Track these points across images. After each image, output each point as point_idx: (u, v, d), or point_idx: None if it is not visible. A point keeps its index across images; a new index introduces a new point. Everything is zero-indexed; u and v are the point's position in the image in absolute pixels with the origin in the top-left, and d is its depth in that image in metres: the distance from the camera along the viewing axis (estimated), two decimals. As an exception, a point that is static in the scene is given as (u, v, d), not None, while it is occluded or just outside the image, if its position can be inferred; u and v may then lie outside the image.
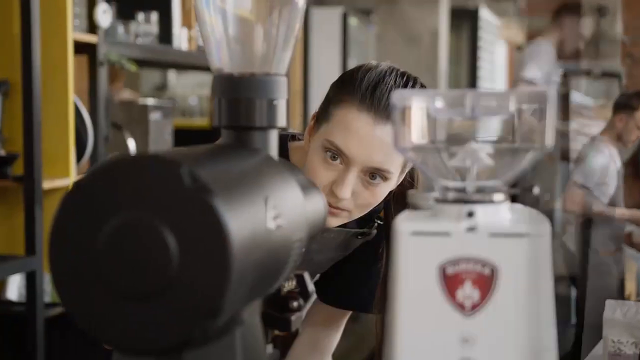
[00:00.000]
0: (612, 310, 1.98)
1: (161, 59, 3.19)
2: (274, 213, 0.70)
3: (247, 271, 0.64)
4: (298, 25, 0.85)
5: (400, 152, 0.72)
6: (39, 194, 2.38)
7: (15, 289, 2.58)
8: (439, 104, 0.71)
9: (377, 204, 1.30)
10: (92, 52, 2.70)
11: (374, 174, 1.25)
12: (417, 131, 0.72)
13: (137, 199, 0.62)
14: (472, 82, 7.52)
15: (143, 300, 0.62)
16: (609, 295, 4.30)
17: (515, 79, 4.49)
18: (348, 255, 1.44)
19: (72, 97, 2.53)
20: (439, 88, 5.59)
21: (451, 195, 0.72)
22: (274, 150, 0.83)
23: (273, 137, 0.83)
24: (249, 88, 0.82)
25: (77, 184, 0.63)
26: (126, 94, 3.74)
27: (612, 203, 4.33)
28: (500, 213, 0.71)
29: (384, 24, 5.40)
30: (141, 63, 3.19)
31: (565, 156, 4.87)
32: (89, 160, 2.71)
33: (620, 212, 4.32)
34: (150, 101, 3.20)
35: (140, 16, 3.08)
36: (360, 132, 1.22)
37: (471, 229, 0.68)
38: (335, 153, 1.24)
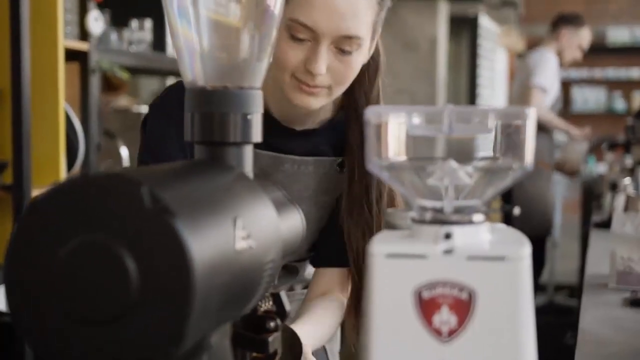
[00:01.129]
0: (621, 223, 1.85)
1: (154, 67, 3.17)
2: (244, 233, 0.67)
3: (213, 295, 0.61)
4: (274, 36, 0.82)
5: (374, 171, 0.69)
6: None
7: (3, 298, 2.56)
8: (416, 120, 0.68)
9: (354, 76, 1.26)
10: (83, 60, 2.68)
11: (345, 45, 1.21)
12: (392, 148, 0.69)
13: (96, 220, 0.59)
14: (472, 89, 7.50)
15: (102, 325, 0.59)
16: (542, 211, 4.44)
17: (522, 86, 4.48)
18: (334, 214, 1.39)
19: (62, 105, 2.50)
20: (437, 96, 5.57)
21: (428, 215, 0.69)
22: (248, 165, 0.80)
23: (248, 153, 0.80)
24: (223, 102, 0.79)
25: (34, 204, 0.60)
26: (123, 101, 3.72)
27: (552, 110, 4.51)
28: (479, 234, 0.68)
29: (382, 31, 5.37)
30: (135, 70, 3.16)
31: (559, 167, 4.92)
32: (80, 169, 2.68)
33: (558, 122, 4.51)
34: (145, 109, 3.18)
35: (134, 23, 3.05)
36: (322, 2, 1.18)
37: (448, 252, 0.66)
38: (300, 31, 1.20)
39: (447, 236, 0.67)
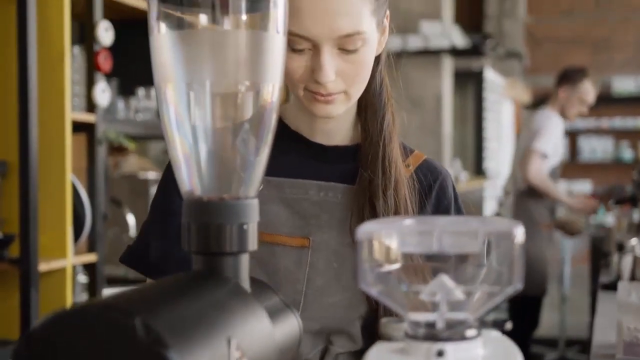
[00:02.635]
0: (626, 292, 1.81)
1: (161, 135, 3.20)
2: (238, 354, 0.68)
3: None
4: (267, 149, 0.83)
5: (365, 289, 0.70)
6: (35, 277, 2.36)
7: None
8: (406, 238, 0.69)
9: (368, 73, 1.17)
10: (90, 131, 2.71)
11: (348, 44, 1.12)
12: (383, 266, 0.70)
13: (91, 352, 0.60)
14: (478, 142, 7.52)
15: None
16: (539, 271, 4.43)
17: (524, 148, 4.49)
18: None
19: (69, 177, 2.53)
20: (443, 151, 5.59)
21: (421, 331, 0.69)
22: (244, 274, 0.81)
23: (244, 262, 0.81)
24: (219, 213, 0.80)
25: (29, 335, 0.61)
26: (132, 160, 3.74)
27: (551, 176, 4.48)
28: (472, 350, 0.68)
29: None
30: (142, 137, 3.19)
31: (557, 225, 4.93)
32: (87, 240, 2.70)
33: (555, 192, 4.46)
34: (152, 175, 3.20)
35: (141, 92, 3.09)
36: (310, 6, 1.10)
37: (440, 371, 0.66)
38: (298, 42, 1.12)
39: (440, 354, 0.67)
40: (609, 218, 8.10)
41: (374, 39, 1.17)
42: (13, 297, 2.42)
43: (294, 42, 1.12)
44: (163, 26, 0.79)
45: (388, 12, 1.22)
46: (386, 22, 1.22)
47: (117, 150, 3.55)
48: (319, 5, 1.10)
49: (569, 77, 4.52)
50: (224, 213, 0.80)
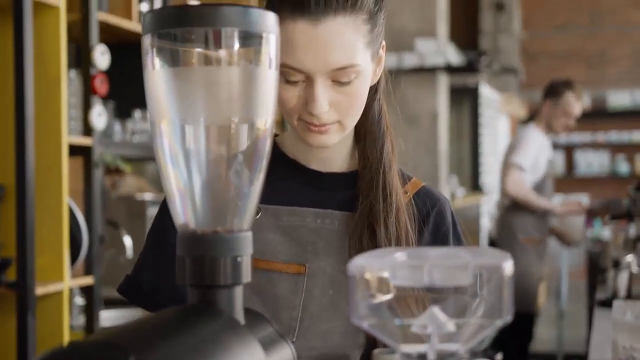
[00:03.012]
0: (622, 311, 1.81)
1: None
2: (232, 388, 0.69)
3: None
4: (261, 181, 0.84)
5: (357, 322, 0.71)
6: (32, 301, 2.37)
7: None
8: (398, 272, 0.70)
9: (362, 104, 1.18)
10: (87, 154, 2.72)
11: (342, 77, 1.13)
12: (375, 299, 0.71)
13: (85, 389, 0.61)
14: (474, 157, 7.55)
15: None
16: (523, 289, 4.39)
17: (504, 161, 4.52)
18: None
19: (66, 201, 2.54)
20: (439, 168, 5.60)
21: (413, 364, 0.70)
22: (238, 306, 0.82)
23: (238, 294, 0.82)
24: (213, 246, 0.81)
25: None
26: (130, 181, 3.75)
27: (538, 191, 4.43)
28: (462, 382, 0.69)
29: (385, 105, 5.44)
30: (139, 159, 3.21)
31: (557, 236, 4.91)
32: (84, 262, 2.70)
33: (539, 201, 4.38)
34: (149, 196, 3.21)
35: (137, 114, 3.11)
36: (303, 40, 1.11)
37: (432, 404, 0.67)
38: (292, 74, 1.13)
39: (432, 386, 0.68)
40: (605, 232, 8.12)
41: (369, 70, 1.18)
42: (10, 321, 2.42)
43: (288, 74, 1.13)
44: (157, 62, 0.81)
45: (384, 43, 1.23)
46: (382, 53, 1.23)
47: (114, 171, 3.56)
48: (312, 38, 1.10)
49: (553, 90, 4.52)
50: (218, 246, 0.81)
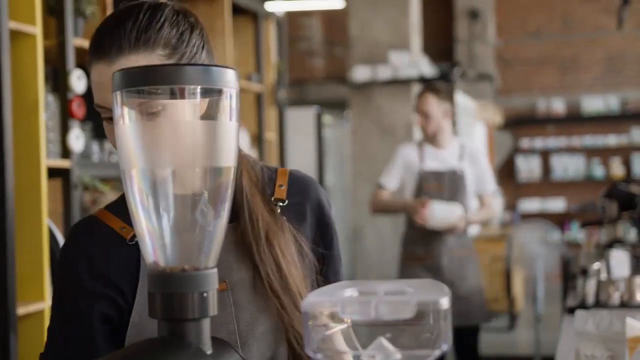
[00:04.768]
0: (584, 321, 1.88)
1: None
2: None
3: None
4: (224, 222, 0.92)
5: (311, 354, 0.79)
6: (14, 322, 2.42)
7: None
8: (347, 308, 0.78)
9: None
10: (65, 176, 2.78)
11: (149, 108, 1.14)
12: (326, 331, 0.79)
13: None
14: (451, 165, 7.63)
15: None
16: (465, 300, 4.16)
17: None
18: None
19: (45, 222, 2.60)
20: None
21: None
22: (206, 337, 0.89)
23: (205, 326, 0.89)
24: (181, 283, 0.88)
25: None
26: (110, 197, 3.79)
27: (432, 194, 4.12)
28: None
29: (359, 117, 5.54)
30: (117, 179, 3.27)
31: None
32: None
33: (395, 203, 4.12)
34: (127, 213, 3.26)
35: (114, 134, 3.17)
36: (103, 80, 1.19)
37: None
38: (104, 112, 1.21)
39: (378, 411, 0.76)
40: (581, 235, 8.23)
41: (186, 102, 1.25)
42: (-9, 342, 2.47)
43: (103, 113, 1.22)
44: (126, 117, 0.88)
45: None
46: None
47: (94, 187, 3.61)
48: (109, 77, 1.12)
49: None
50: (186, 283, 0.88)
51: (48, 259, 2.62)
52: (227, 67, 0.89)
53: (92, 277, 1.24)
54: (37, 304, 2.57)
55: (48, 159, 2.66)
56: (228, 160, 0.90)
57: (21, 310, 2.50)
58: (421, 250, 4.15)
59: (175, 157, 0.88)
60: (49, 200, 2.68)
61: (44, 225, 2.58)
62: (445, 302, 0.76)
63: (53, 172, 2.74)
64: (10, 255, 2.45)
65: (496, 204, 4.32)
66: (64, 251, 1.29)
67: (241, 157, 1.33)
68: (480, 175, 4.13)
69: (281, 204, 1.32)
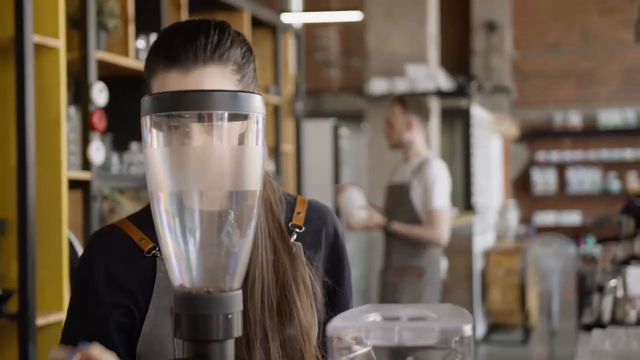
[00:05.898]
0: (601, 340, 1.88)
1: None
2: None
3: None
4: (249, 243, 0.93)
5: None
6: (33, 332, 2.45)
7: None
8: (371, 333, 0.79)
9: None
10: (85, 188, 2.81)
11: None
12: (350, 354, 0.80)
13: None
14: (467, 177, 7.63)
15: None
16: None
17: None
18: None
19: (65, 233, 2.62)
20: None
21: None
22: (230, 358, 0.91)
23: (230, 347, 0.91)
24: (206, 305, 0.90)
25: None
26: (127, 206, 3.82)
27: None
28: None
29: (376, 130, 5.55)
30: (136, 189, 3.29)
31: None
32: (82, 292, 2.78)
33: (398, 225, 3.91)
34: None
35: (134, 146, 3.20)
36: (173, 88, 1.19)
37: None
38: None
39: None
40: (597, 249, 8.19)
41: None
42: (12, 351, 2.50)
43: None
44: (155, 141, 0.90)
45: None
46: None
47: (112, 198, 3.64)
48: (183, 86, 1.19)
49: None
50: (211, 305, 0.90)
51: (67, 270, 2.64)
52: (254, 93, 0.91)
53: (109, 286, 1.26)
54: (57, 314, 2.60)
55: (69, 171, 2.69)
56: (254, 184, 0.91)
57: (41, 320, 2.52)
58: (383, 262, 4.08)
59: (202, 180, 0.90)
60: (69, 212, 2.71)
61: (64, 237, 2.61)
62: (468, 330, 0.77)
63: (73, 184, 2.77)
64: (30, 265, 2.48)
65: (441, 226, 3.87)
66: (83, 258, 1.30)
67: (265, 180, 1.34)
68: (425, 191, 3.92)
69: (298, 230, 1.33)
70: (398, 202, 4.00)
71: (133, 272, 1.27)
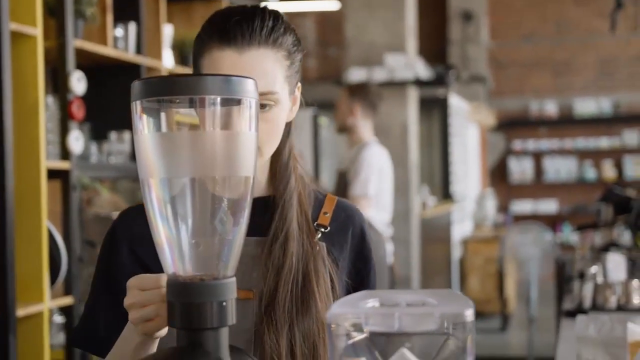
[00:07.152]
0: (585, 326, 1.89)
1: (133, 175, 3.27)
2: None
3: None
4: (243, 232, 0.92)
5: (334, 367, 0.79)
6: (13, 323, 2.42)
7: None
8: (370, 319, 0.78)
9: (279, 133, 1.26)
10: (65, 177, 2.78)
11: (261, 100, 1.19)
12: (350, 342, 0.79)
13: None
14: (445, 166, 7.66)
15: None
16: None
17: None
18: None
19: (45, 224, 2.59)
20: (410, 179, 5.70)
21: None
22: (224, 346, 0.89)
23: (224, 335, 0.89)
24: (200, 293, 0.88)
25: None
26: (105, 196, 3.78)
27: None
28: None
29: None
30: (115, 179, 3.26)
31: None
32: (63, 283, 2.75)
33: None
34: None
35: (113, 135, 3.16)
36: (229, 66, 1.21)
37: None
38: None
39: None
40: (574, 237, 8.24)
41: (286, 103, 1.27)
42: (-9, 344, 2.46)
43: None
44: (146, 127, 0.88)
45: (300, 85, 1.33)
46: (298, 93, 1.32)
47: (92, 188, 3.60)
48: (237, 65, 1.21)
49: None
50: (205, 293, 0.88)
51: (47, 261, 2.61)
52: (246, 77, 0.90)
53: (133, 263, 1.27)
54: (37, 305, 2.57)
55: (48, 161, 2.66)
56: (247, 170, 0.90)
57: (20, 311, 2.49)
58: None
59: (194, 166, 0.89)
60: (48, 202, 2.68)
61: (44, 227, 2.58)
62: (469, 315, 0.77)
63: (52, 174, 2.74)
64: (9, 256, 2.44)
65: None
66: (108, 235, 1.33)
67: (295, 165, 1.34)
68: (353, 177, 3.96)
69: (323, 230, 1.32)
70: (341, 188, 4.01)
71: (153, 252, 1.26)
